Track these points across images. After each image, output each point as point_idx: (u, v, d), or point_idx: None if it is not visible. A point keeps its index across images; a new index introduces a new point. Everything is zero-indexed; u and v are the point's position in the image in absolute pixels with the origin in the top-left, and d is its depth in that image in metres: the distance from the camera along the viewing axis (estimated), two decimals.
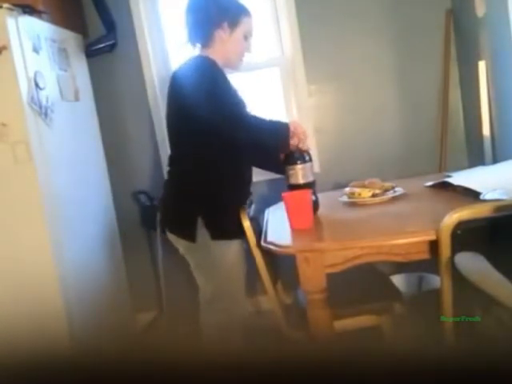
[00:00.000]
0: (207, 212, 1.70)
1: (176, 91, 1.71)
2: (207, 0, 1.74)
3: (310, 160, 1.70)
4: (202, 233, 1.69)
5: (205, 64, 1.68)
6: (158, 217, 1.93)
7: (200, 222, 1.68)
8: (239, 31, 1.75)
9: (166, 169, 2.58)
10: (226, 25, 1.72)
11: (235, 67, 1.83)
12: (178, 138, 1.77)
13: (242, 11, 1.76)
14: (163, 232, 1.87)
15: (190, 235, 1.70)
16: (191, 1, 1.78)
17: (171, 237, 1.79)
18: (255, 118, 1.68)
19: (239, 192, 1.79)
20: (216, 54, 1.74)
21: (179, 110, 1.71)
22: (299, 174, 1.67)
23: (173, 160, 1.81)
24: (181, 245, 1.77)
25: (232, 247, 1.72)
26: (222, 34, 1.73)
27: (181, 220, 1.75)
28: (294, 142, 1.67)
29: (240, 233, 1.68)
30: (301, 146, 1.68)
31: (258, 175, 2.70)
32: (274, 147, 1.70)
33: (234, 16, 1.73)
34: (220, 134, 1.63)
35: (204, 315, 1.81)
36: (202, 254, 1.73)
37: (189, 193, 1.73)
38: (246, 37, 1.78)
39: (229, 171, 1.74)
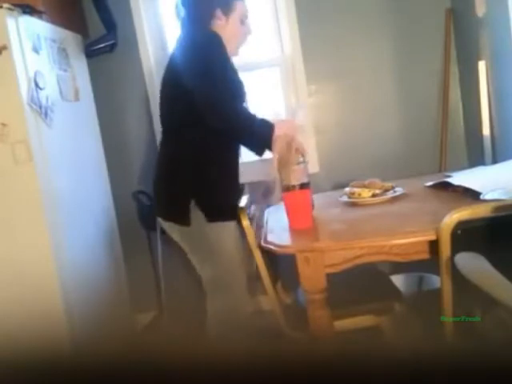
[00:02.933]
0: (200, 193, 1.68)
1: (175, 66, 1.70)
2: None
3: (304, 161, 1.69)
4: (197, 216, 1.67)
5: (211, 39, 1.66)
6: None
7: (193, 205, 1.67)
8: (235, 16, 1.75)
9: None
10: (220, 13, 1.72)
11: (236, 52, 1.82)
12: (167, 117, 1.77)
13: None
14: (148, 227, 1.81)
15: (183, 219, 1.68)
16: None
17: (165, 224, 1.77)
18: (245, 113, 1.66)
19: (230, 171, 1.78)
20: None
21: (173, 87, 1.71)
22: (293, 175, 1.67)
23: (162, 143, 1.80)
24: (175, 231, 1.75)
25: (227, 229, 1.70)
26: (218, 23, 1.73)
27: (173, 204, 1.73)
28: (284, 141, 1.64)
29: (235, 214, 1.67)
30: (294, 145, 1.65)
31: (258, 175, 2.70)
32: (255, 146, 1.69)
33: (225, 2, 1.73)
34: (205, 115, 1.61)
35: (209, 297, 1.79)
36: (197, 239, 1.71)
37: (179, 175, 1.71)
38: (243, 20, 1.78)
39: (217, 151, 1.72)
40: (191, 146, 1.70)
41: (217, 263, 1.74)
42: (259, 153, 1.69)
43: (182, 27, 1.79)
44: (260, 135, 1.63)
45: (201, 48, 1.64)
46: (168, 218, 1.76)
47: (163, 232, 1.87)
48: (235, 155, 1.82)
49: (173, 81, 1.72)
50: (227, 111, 1.61)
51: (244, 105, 1.80)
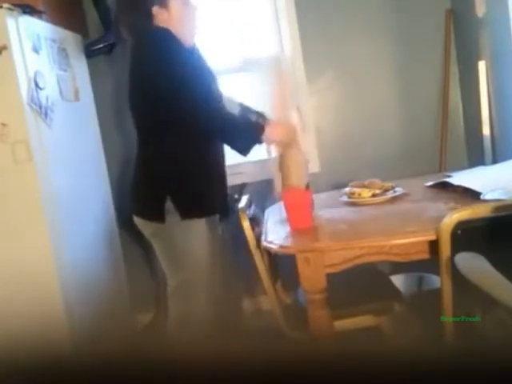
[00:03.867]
0: (174, 191, 1.67)
1: (137, 70, 1.70)
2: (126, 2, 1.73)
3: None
4: (171, 213, 1.66)
5: (166, 42, 1.62)
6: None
7: (168, 202, 1.66)
8: (173, 3, 1.67)
9: None
10: (157, 9, 1.66)
11: (193, 37, 1.76)
12: (139, 120, 1.77)
13: None
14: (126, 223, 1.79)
15: (158, 216, 1.67)
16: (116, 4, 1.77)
17: (138, 221, 1.77)
18: (228, 114, 1.65)
19: (207, 167, 1.75)
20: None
21: (140, 94, 1.71)
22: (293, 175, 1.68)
23: (137, 143, 1.80)
24: (148, 228, 1.75)
25: (198, 226, 1.69)
26: (160, 18, 1.67)
27: (149, 202, 1.73)
28: (283, 139, 1.66)
29: (208, 211, 1.69)
30: (293, 143, 1.67)
31: (259, 175, 2.70)
32: (235, 149, 1.66)
33: None
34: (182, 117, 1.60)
35: (171, 303, 1.78)
36: (170, 236, 1.70)
37: (154, 174, 1.72)
38: (184, 2, 1.70)
39: (191, 149, 1.69)
40: (164, 144, 1.69)
41: (187, 264, 1.72)
42: (244, 153, 1.65)
43: (131, 36, 1.78)
44: (247, 137, 1.63)
45: (156, 58, 1.60)
46: (143, 215, 1.75)
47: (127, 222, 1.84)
48: (211, 153, 1.77)
49: (139, 89, 1.71)
50: (210, 114, 1.60)
51: (220, 99, 1.76)
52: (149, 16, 1.67)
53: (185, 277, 1.73)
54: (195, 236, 1.70)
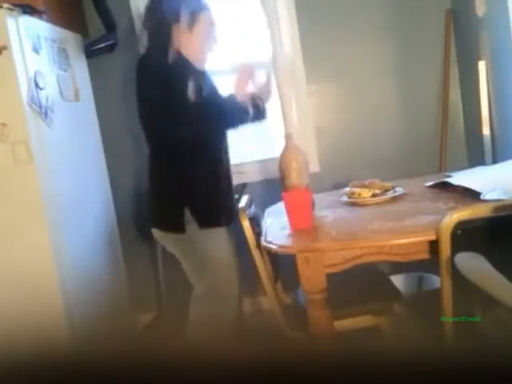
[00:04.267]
0: (192, 201, 1.71)
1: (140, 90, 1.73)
2: (158, 5, 1.72)
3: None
4: (190, 223, 1.70)
5: (155, 65, 1.67)
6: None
7: (187, 213, 1.70)
8: (199, 28, 1.72)
9: None
10: (184, 26, 1.70)
11: (204, 61, 1.80)
12: (149, 132, 1.78)
13: (198, 8, 1.72)
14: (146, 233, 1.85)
15: (178, 226, 1.71)
16: (146, 7, 1.78)
17: (158, 234, 1.80)
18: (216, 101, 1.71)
19: (219, 178, 1.80)
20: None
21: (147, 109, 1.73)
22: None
23: (150, 156, 1.82)
24: (169, 240, 1.79)
25: (218, 235, 1.73)
26: (182, 37, 1.71)
27: (168, 213, 1.76)
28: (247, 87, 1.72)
29: (226, 220, 1.73)
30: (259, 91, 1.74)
31: (259, 175, 2.70)
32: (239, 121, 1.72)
33: (189, 15, 1.70)
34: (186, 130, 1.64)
35: (192, 309, 1.82)
36: (190, 246, 1.74)
37: (172, 185, 1.74)
38: (208, 31, 1.75)
39: (205, 158, 1.74)
40: (178, 156, 1.72)
41: (209, 271, 1.76)
42: (259, 118, 1.75)
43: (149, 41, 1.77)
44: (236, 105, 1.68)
45: (161, 88, 1.61)
46: (162, 227, 1.79)
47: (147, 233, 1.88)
48: (222, 162, 1.83)
49: (145, 102, 1.72)
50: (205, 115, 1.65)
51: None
52: (170, 29, 1.69)
53: (210, 282, 1.77)
54: (215, 242, 1.74)
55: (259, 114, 1.80)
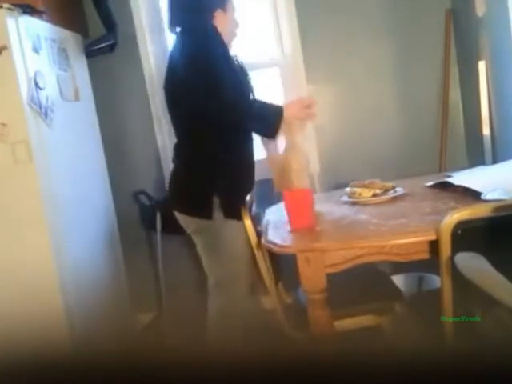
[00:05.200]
0: (221, 190, 1.75)
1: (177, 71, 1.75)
2: None
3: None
4: (217, 211, 1.74)
5: (217, 44, 1.72)
6: (158, 218, 1.94)
7: (215, 201, 1.73)
8: (230, 12, 1.84)
9: (166, 168, 2.58)
10: (220, 10, 1.79)
11: (231, 45, 1.89)
12: (179, 120, 1.82)
13: None
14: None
15: (205, 213, 1.74)
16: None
17: (182, 218, 1.83)
18: (255, 103, 1.75)
19: (249, 172, 1.86)
20: None
21: (176, 91, 1.76)
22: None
23: (179, 144, 1.85)
24: (193, 224, 1.80)
25: (240, 228, 1.74)
26: (219, 19, 1.79)
27: (196, 200, 1.78)
28: (301, 116, 1.72)
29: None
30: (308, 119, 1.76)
31: (258, 175, 2.70)
32: (266, 131, 1.74)
33: (222, 2, 1.81)
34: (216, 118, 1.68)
35: (211, 299, 1.84)
36: (213, 233, 1.77)
37: (202, 173, 1.77)
38: (233, 16, 1.87)
39: (235, 149, 1.79)
40: (211, 147, 1.75)
41: (226, 261, 1.79)
42: (271, 135, 1.73)
43: (181, 34, 1.81)
44: (271, 119, 1.69)
45: (205, 47, 1.69)
46: (188, 212, 1.81)
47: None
48: (251, 153, 1.88)
49: (179, 87, 1.74)
50: (240, 106, 1.68)
51: (250, 96, 1.87)
52: (211, 17, 1.78)
53: (224, 273, 1.80)
54: (235, 235, 1.76)
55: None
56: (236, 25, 1.89)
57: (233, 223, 1.74)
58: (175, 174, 1.87)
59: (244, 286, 1.81)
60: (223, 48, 1.74)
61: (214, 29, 1.76)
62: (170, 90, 1.81)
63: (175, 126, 1.86)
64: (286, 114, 1.69)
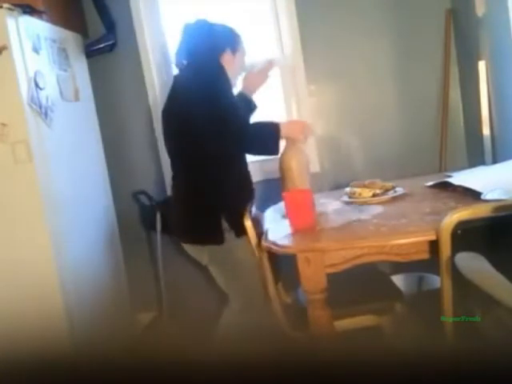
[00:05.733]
0: (227, 209, 1.76)
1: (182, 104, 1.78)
2: (210, 29, 1.87)
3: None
4: (227, 233, 1.75)
5: (222, 79, 1.79)
6: (158, 218, 1.95)
7: (224, 223, 1.74)
8: (240, 55, 1.92)
9: (166, 168, 2.58)
10: (229, 51, 1.88)
11: (235, 84, 1.96)
12: (178, 150, 1.85)
13: (239, 37, 1.93)
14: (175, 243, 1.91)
15: (216, 238, 1.75)
16: (192, 28, 1.87)
17: (192, 249, 1.85)
18: (252, 127, 1.80)
19: (247, 186, 1.89)
20: None
21: (181, 119, 1.78)
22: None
23: (175, 175, 1.88)
24: (205, 252, 1.81)
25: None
26: (226, 58, 1.86)
27: (205, 226, 1.79)
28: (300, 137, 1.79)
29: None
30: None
31: (258, 175, 2.70)
32: (267, 151, 1.78)
33: (234, 43, 1.90)
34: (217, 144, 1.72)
35: (225, 317, 1.86)
36: (228, 256, 1.78)
37: (207, 198, 1.78)
38: (243, 59, 1.96)
39: (232, 168, 1.81)
40: (208, 170, 1.78)
41: (243, 277, 1.79)
42: (274, 153, 1.77)
43: (187, 67, 1.87)
44: (269, 141, 1.74)
45: (211, 81, 1.74)
46: (198, 242, 1.81)
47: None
48: (245, 165, 1.92)
49: (181, 114, 1.77)
50: (241, 140, 1.73)
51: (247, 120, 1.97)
52: (220, 56, 1.86)
53: (246, 292, 1.81)
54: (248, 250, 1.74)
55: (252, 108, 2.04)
56: (243, 67, 1.99)
57: (244, 240, 1.72)
58: (177, 206, 1.89)
59: (259, 298, 1.79)
60: (228, 85, 1.80)
61: (222, 68, 1.82)
62: (169, 120, 1.85)
63: (171, 157, 1.89)
64: (283, 131, 1.74)
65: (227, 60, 1.87)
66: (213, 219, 1.76)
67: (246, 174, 1.91)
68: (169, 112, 1.84)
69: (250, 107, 2.07)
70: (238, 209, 1.73)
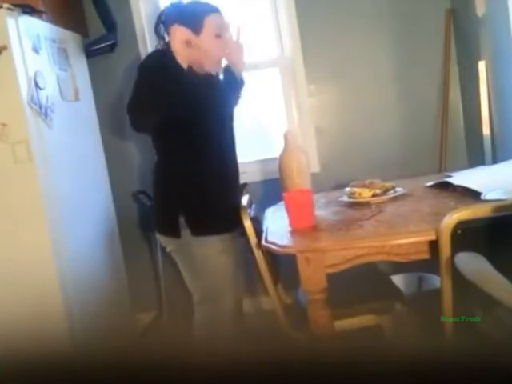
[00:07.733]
0: (186, 207, 1.71)
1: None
2: (165, 13, 1.82)
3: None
4: (184, 230, 1.70)
5: (151, 60, 1.76)
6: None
7: (182, 220, 1.69)
8: (207, 32, 1.68)
9: None
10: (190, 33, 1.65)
11: (217, 66, 1.79)
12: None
13: (204, 12, 1.69)
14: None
15: (174, 231, 1.71)
16: (158, 14, 1.85)
17: (160, 238, 1.82)
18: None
19: (217, 187, 1.76)
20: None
21: None
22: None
23: (155, 161, 1.84)
24: (170, 244, 1.79)
25: (210, 244, 1.71)
26: (175, 35, 1.66)
27: (165, 218, 1.77)
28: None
29: (221, 229, 1.71)
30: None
31: (258, 175, 2.70)
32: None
33: (193, 22, 1.66)
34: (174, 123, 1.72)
35: (195, 315, 1.83)
36: (186, 252, 1.74)
37: (168, 190, 1.76)
38: (219, 33, 1.71)
39: (199, 166, 1.73)
40: (174, 161, 1.75)
41: (205, 276, 1.76)
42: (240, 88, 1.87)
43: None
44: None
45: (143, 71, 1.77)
46: (162, 232, 1.80)
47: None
48: (224, 168, 1.80)
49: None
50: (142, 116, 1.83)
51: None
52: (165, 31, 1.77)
53: (206, 291, 1.77)
54: (209, 250, 1.72)
55: (238, 83, 1.91)
56: (222, 45, 1.74)
57: (203, 239, 1.69)
58: (153, 192, 1.87)
59: (229, 300, 1.76)
60: (159, 63, 1.70)
61: (165, 44, 1.75)
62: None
63: (151, 138, 1.86)
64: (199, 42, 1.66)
65: (176, 36, 1.65)
66: (171, 213, 1.72)
67: (217, 175, 1.76)
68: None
69: (237, 81, 1.89)
70: (198, 208, 1.71)
